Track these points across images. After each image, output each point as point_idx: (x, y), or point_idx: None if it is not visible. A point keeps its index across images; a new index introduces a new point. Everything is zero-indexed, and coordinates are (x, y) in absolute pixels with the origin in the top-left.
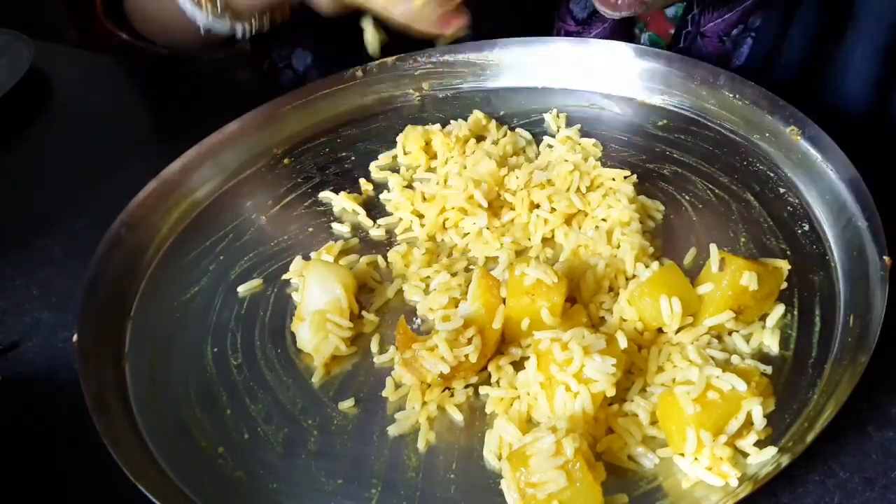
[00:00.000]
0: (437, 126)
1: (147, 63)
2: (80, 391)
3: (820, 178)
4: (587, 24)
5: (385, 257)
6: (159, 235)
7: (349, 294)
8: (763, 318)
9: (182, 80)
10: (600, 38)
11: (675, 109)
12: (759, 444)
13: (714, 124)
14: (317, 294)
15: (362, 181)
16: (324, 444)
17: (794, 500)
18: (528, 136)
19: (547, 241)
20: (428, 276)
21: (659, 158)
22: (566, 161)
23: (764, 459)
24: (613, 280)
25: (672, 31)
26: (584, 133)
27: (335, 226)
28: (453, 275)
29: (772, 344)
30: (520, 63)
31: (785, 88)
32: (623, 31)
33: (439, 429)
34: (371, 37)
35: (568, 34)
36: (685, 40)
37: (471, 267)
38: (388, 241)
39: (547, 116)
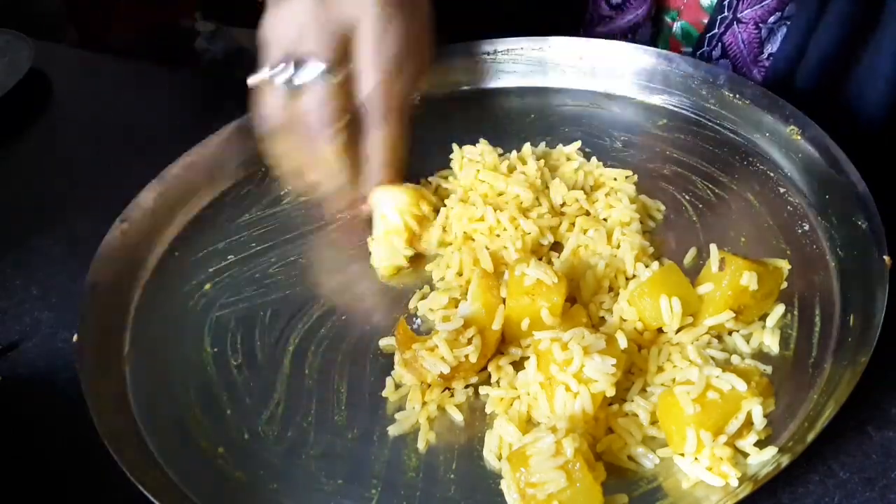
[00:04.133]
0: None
1: (146, 62)
2: (80, 391)
3: (820, 178)
4: (620, 10)
5: None
6: (159, 235)
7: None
8: (763, 318)
9: (182, 80)
10: (633, 24)
11: (675, 109)
12: (759, 444)
13: (714, 124)
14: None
15: None
16: (324, 444)
17: (794, 500)
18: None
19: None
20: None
21: (659, 158)
22: (569, 160)
23: (764, 459)
24: (613, 280)
25: (706, 21)
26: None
27: None
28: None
29: (772, 344)
30: (520, 62)
31: (809, 90)
32: (655, 18)
33: (439, 429)
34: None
35: (601, 18)
36: (720, 26)
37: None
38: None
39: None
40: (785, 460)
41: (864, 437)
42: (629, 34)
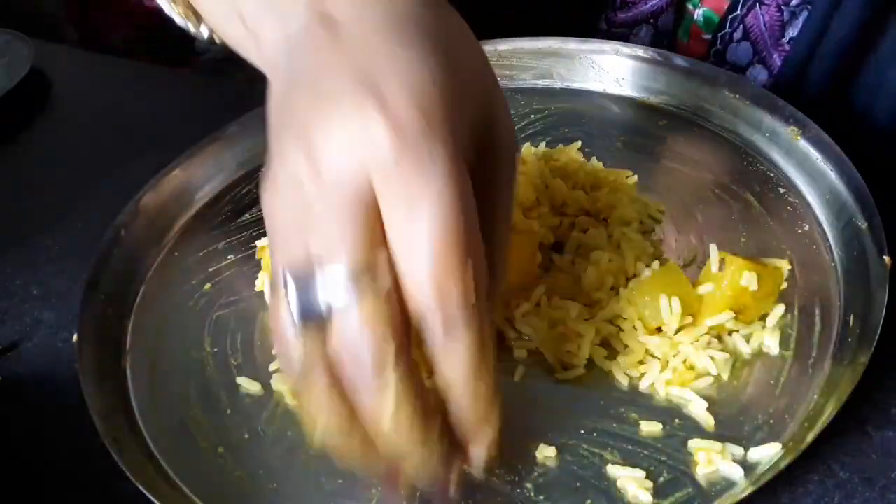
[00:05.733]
0: None
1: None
2: (80, 391)
3: (820, 178)
4: None
5: None
6: (159, 235)
7: None
8: (763, 318)
9: (182, 80)
10: (655, 10)
11: (675, 109)
12: None
13: (714, 124)
14: None
15: None
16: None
17: (794, 500)
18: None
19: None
20: None
21: (659, 158)
22: (569, 160)
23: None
24: (614, 280)
25: (726, 6)
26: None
27: None
28: None
29: (772, 344)
30: (520, 63)
31: (823, 80)
32: (678, 5)
33: None
34: None
35: (623, 4)
36: (742, 7)
37: None
38: None
39: None
40: (785, 460)
41: (864, 437)
42: (651, 20)
